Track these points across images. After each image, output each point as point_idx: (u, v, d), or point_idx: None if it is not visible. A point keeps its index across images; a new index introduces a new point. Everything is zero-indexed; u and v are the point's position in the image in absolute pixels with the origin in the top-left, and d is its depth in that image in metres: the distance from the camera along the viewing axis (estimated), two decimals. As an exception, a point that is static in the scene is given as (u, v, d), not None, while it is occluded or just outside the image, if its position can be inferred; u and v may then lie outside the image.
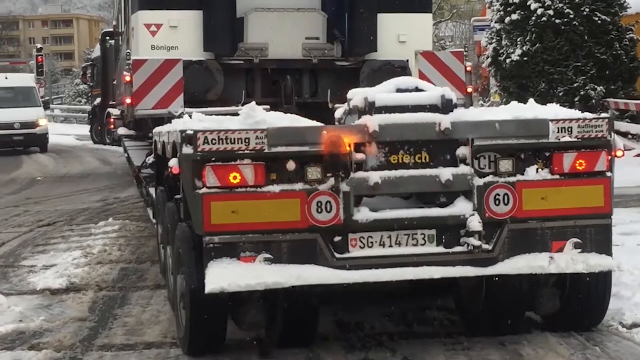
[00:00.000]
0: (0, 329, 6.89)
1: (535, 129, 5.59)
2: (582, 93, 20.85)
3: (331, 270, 5.42)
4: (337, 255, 5.45)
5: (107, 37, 29.57)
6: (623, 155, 5.81)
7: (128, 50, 10.76)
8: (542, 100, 21.14)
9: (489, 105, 26.11)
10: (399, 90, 5.80)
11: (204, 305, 5.58)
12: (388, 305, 6.94)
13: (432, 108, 5.66)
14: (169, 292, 7.16)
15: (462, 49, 11.01)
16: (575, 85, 20.94)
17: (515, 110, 5.82)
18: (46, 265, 9.55)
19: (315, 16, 10.54)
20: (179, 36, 10.23)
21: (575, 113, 5.84)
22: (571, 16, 20.71)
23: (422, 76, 9.95)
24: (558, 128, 5.56)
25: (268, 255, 5.37)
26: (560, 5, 20.79)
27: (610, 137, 5.62)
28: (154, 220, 9.46)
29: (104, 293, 8.12)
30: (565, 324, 6.14)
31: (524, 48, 21.14)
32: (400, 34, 10.64)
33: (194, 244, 5.62)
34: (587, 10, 20.74)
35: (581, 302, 6.00)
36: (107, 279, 8.72)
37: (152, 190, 9.74)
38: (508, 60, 21.59)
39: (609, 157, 5.62)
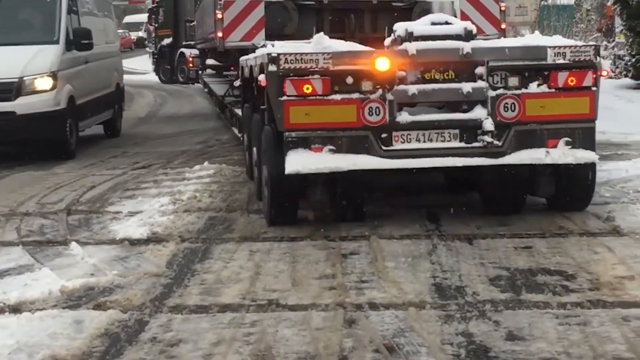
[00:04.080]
0: (68, 284, 7.54)
1: (536, 53, 9.25)
2: None
3: (379, 159, 9.15)
4: (384, 148, 9.17)
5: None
6: (608, 74, 9.28)
7: None
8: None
9: (613, 47, 29.01)
10: (432, 24, 9.64)
11: (282, 186, 9.38)
12: (495, 266, 7.80)
13: (457, 37, 9.42)
14: (255, 186, 11.01)
15: None
16: None
17: (522, 39, 9.40)
18: (132, 212, 10.82)
19: None
20: None
21: (568, 41, 9.37)
22: None
23: (463, 14, 14.18)
24: (554, 53, 9.19)
25: (332, 147, 9.08)
26: None
27: (596, 60, 9.20)
28: (239, 135, 13.98)
29: (186, 245, 9.06)
30: (561, 206, 9.78)
31: (654, -17, 23.42)
32: None
33: (275, 140, 9.38)
34: None
35: (573, 188, 9.59)
36: (192, 229, 9.79)
37: (237, 111, 14.41)
38: (635, -2, 23.94)
39: (595, 76, 9.24)
